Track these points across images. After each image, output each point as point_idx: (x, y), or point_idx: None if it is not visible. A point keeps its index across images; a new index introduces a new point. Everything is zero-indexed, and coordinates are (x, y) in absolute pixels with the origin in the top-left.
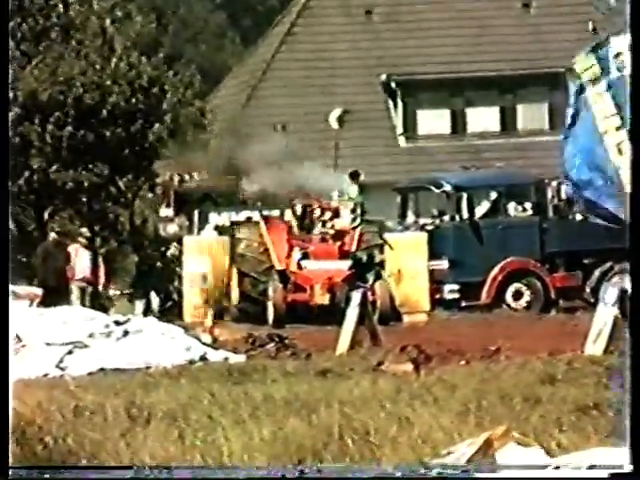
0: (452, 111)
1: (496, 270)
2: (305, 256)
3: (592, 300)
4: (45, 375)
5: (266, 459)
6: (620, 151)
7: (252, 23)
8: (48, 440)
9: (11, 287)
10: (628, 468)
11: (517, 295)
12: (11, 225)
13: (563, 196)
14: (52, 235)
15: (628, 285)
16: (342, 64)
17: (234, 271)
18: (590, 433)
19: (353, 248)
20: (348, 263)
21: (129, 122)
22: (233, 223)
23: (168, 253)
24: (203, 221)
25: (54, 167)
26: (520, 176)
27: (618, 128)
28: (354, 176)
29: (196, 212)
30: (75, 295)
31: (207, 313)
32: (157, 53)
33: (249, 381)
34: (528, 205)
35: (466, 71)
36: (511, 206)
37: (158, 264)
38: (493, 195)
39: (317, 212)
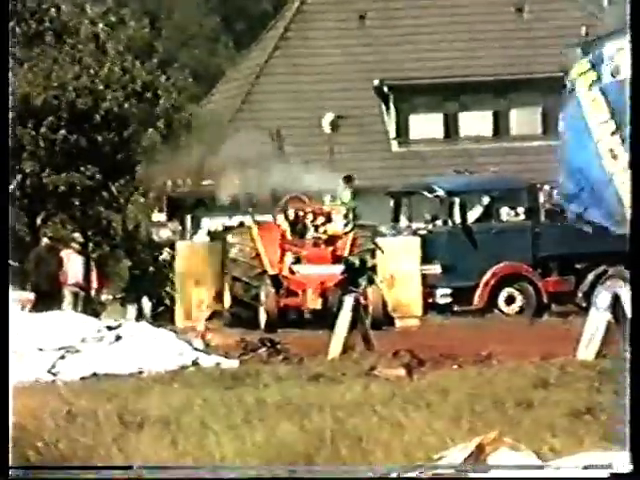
0: (445, 115)
1: (488, 275)
2: (298, 261)
3: (584, 304)
4: (37, 380)
5: (258, 464)
6: (615, 157)
7: (246, 27)
8: (40, 445)
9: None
10: (628, 468)
11: (509, 300)
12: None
13: (555, 201)
14: (45, 240)
15: (620, 289)
16: (335, 68)
17: (227, 276)
18: (583, 437)
19: (346, 253)
20: (341, 268)
21: (122, 127)
22: (226, 228)
23: (160, 258)
24: (196, 226)
25: (47, 171)
26: (513, 181)
27: (613, 133)
28: (348, 180)
29: (189, 217)
30: (67, 300)
31: (199, 318)
32: (150, 58)
33: (241, 386)
34: (521, 210)
35: (459, 75)
36: (504, 211)
37: (150, 269)
38: (486, 200)
39: (310, 217)
